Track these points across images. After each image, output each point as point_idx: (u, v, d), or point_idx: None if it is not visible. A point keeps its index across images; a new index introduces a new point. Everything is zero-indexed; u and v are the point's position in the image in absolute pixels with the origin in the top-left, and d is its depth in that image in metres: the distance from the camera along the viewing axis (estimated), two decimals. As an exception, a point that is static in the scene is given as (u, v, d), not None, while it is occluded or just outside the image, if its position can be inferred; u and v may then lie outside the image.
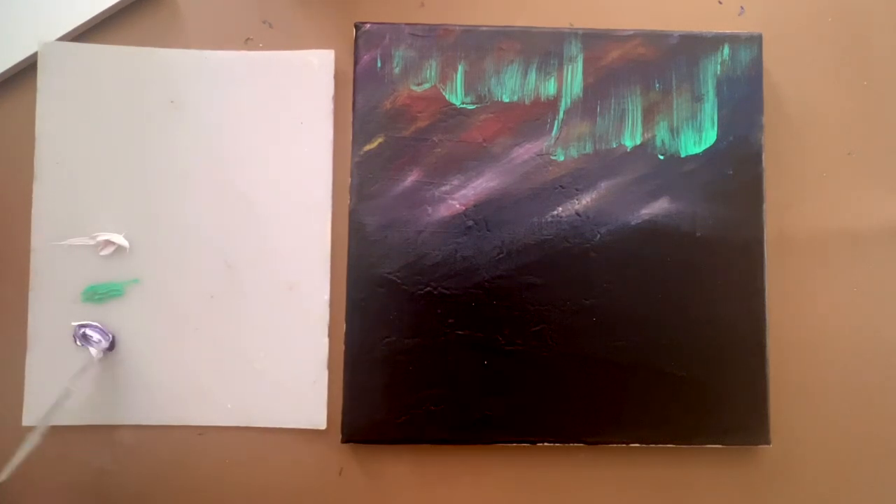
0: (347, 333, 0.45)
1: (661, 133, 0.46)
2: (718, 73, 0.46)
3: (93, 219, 0.46)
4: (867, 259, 0.48)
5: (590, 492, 0.46)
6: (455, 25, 0.46)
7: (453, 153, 0.46)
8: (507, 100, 0.46)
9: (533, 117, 0.46)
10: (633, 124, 0.46)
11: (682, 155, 0.46)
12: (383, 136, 0.46)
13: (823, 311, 0.47)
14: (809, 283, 0.47)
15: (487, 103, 0.46)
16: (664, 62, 0.46)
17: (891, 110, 0.49)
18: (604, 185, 0.46)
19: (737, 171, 0.46)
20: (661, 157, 0.46)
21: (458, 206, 0.45)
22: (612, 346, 0.45)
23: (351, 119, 0.46)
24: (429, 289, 0.45)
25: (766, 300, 0.45)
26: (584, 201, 0.46)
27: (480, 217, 0.45)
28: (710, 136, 0.46)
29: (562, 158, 0.46)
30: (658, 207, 0.46)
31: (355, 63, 0.46)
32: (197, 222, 0.46)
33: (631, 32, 0.46)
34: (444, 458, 0.46)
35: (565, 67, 0.46)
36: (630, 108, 0.46)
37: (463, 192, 0.45)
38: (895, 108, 0.49)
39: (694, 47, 0.46)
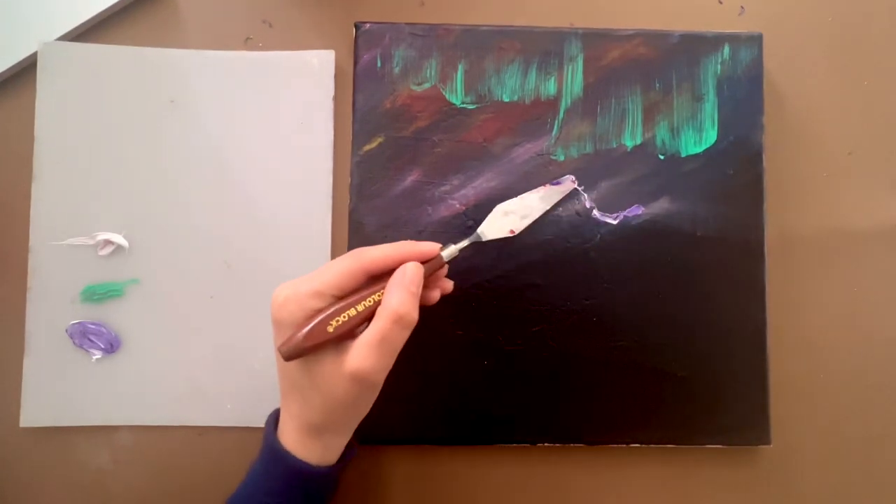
0: (347, 333, 0.45)
1: (662, 133, 0.46)
2: (719, 72, 0.46)
3: (93, 219, 0.46)
4: (867, 259, 0.48)
5: (590, 492, 0.46)
6: (455, 25, 0.46)
7: (453, 153, 0.46)
8: (507, 99, 0.46)
9: (533, 117, 0.46)
10: (633, 124, 0.46)
11: (683, 155, 0.46)
12: (383, 136, 0.46)
13: (823, 311, 0.47)
14: (809, 283, 0.47)
15: (487, 103, 0.46)
16: (664, 62, 0.46)
17: (891, 110, 0.49)
18: (604, 185, 0.46)
19: (737, 171, 0.46)
20: (662, 157, 0.46)
21: (458, 206, 0.45)
22: (613, 346, 0.45)
23: (351, 119, 0.46)
24: (429, 289, 0.45)
25: (767, 300, 0.45)
26: (584, 201, 0.46)
27: (480, 217, 0.45)
28: (710, 136, 0.46)
29: (562, 158, 0.46)
30: (658, 207, 0.45)
31: (355, 63, 0.46)
32: (197, 222, 0.46)
33: (631, 32, 0.46)
34: (445, 458, 0.46)
35: (565, 67, 0.46)
36: (630, 107, 0.46)
37: (463, 192, 0.45)
38: (895, 108, 0.49)
39: (694, 47, 0.46)
